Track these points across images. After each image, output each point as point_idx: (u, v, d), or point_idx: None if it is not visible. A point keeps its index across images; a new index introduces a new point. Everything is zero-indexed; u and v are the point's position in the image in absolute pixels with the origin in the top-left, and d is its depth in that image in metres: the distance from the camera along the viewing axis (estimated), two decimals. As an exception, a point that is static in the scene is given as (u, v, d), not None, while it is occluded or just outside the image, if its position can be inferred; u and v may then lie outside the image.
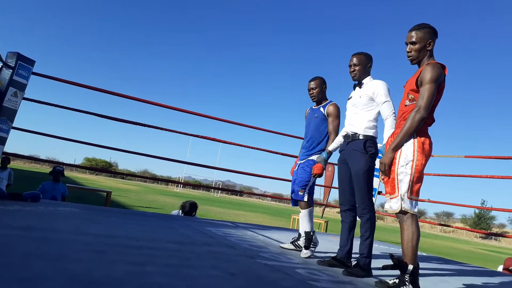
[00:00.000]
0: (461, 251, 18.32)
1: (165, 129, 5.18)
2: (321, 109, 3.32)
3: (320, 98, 3.37)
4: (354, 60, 2.90)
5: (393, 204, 2.25)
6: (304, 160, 3.33)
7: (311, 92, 3.36)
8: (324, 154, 3.13)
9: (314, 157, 3.27)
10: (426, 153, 2.23)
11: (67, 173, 38.72)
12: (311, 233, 3.15)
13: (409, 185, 2.20)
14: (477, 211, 54.42)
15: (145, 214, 4.48)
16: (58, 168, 6.04)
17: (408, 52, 2.37)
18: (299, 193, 3.23)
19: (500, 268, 5.13)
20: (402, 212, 2.21)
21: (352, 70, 2.91)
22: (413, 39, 2.33)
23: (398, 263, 2.14)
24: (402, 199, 2.20)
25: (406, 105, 2.33)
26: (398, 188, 2.23)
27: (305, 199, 3.22)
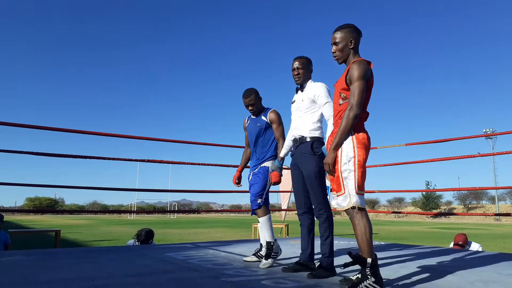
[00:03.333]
0: (416, 233, 19.23)
1: (110, 158, 4.97)
2: (263, 117, 3.41)
3: (259, 108, 3.45)
4: (297, 63, 2.97)
5: (340, 201, 2.31)
6: (256, 169, 3.38)
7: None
8: (277, 162, 3.17)
9: (267, 164, 3.33)
10: (366, 147, 2.32)
11: (8, 217, 35.97)
12: (272, 243, 3.16)
13: (354, 180, 2.27)
14: (424, 193, 57.51)
15: (99, 250, 4.25)
16: (-5, 215, 5.59)
17: (333, 52, 2.48)
18: (257, 201, 3.29)
19: (451, 245, 5.44)
20: (351, 208, 2.28)
21: (296, 73, 2.97)
22: (336, 40, 2.45)
23: (356, 259, 2.19)
24: (350, 195, 2.27)
25: (340, 104, 2.42)
26: (344, 185, 2.29)
27: (261, 206, 3.27)
